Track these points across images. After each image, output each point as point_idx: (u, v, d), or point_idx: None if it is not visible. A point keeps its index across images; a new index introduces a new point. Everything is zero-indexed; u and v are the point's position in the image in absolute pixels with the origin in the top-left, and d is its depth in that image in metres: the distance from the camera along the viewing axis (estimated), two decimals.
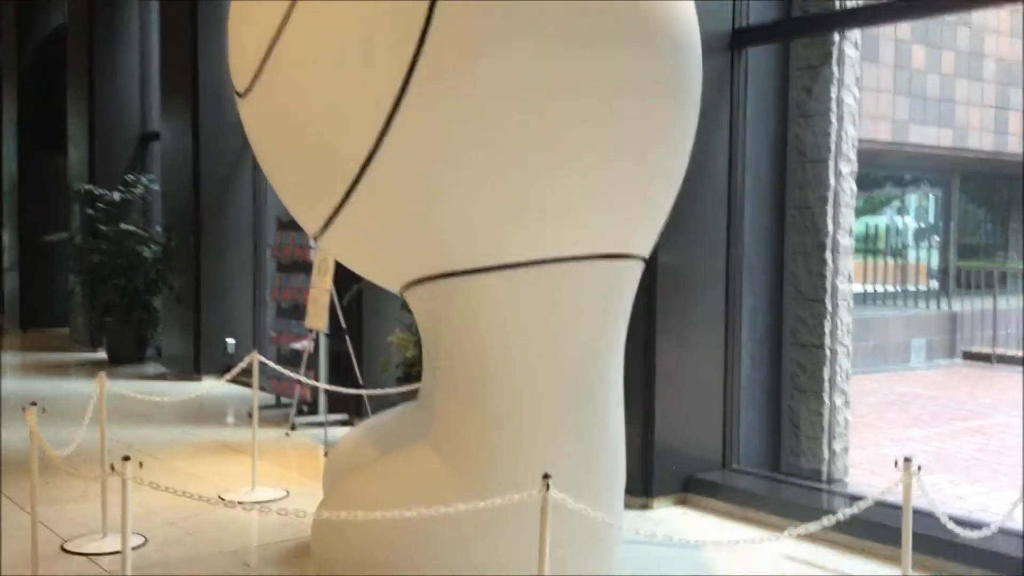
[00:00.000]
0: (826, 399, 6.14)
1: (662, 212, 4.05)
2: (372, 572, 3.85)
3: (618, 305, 3.97)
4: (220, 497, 5.76)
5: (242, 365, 6.19)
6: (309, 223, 4.20)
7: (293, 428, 7.87)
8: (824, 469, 6.14)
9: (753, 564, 4.82)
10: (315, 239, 4.38)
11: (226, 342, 10.65)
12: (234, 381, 10.31)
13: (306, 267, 8.19)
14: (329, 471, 5.00)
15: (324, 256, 7.46)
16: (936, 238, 17.65)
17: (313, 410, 8.17)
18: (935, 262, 17.09)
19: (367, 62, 3.53)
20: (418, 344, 7.35)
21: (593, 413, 3.90)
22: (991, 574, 4.41)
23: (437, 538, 3.75)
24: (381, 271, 4.26)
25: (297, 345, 8.21)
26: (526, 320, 3.78)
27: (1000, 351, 13.80)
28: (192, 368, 10.49)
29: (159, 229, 11.83)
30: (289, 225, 8.59)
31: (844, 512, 3.34)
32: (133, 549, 4.98)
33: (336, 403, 8.04)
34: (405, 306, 7.41)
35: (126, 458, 3.10)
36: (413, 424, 4.88)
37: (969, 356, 14.03)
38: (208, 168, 10.46)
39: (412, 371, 7.28)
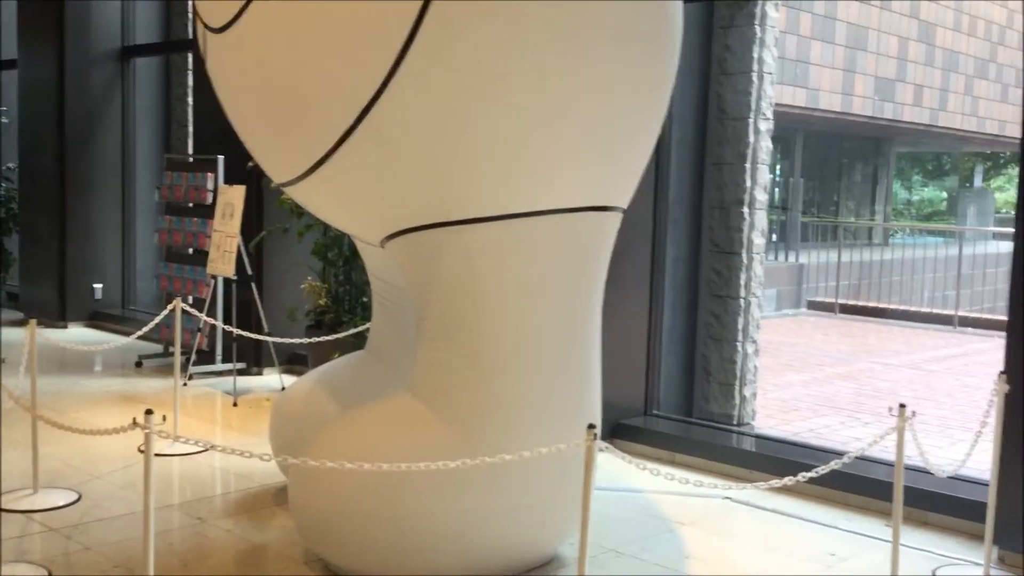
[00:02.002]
0: (739, 347, 6.44)
1: (642, 165, 4.13)
2: (359, 521, 3.82)
3: (602, 255, 4.05)
4: (139, 450, 5.56)
5: (164, 312, 5.91)
6: (286, 169, 4.05)
7: (191, 378, 7.61)
8: (735, 413, 6.46)
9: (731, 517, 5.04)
10: (286, 186, 4.23)
11: (92, 287, 10.13)
12: (100, 328, 9.94)
13: (202, 210, 7.86)
14: (279, 421, 4.89)
15: (229, 199, 7.19)
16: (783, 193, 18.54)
17: (209, 359, 7.91)
18: (783, 216, 17.99)
19: (376, 4, 3.42)
20: (330, 292, 7.25)
21: (580, 358, 3.98)
22: None
23: (428, 487, 3.75)
24: (364, 221, 4.16)
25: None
26: (519, 270, 3.80)
27: (842, 301, 14.73)
28: (57, 315, 9.92)
29: (10, 166, 11.07)
30: (180, 165, 8.22)
31: (836, 463, 3.52)
32: (66, 506, 4.78)
33: (232, 352, 7.81)
34: (318, 252, 7.27)
35: (149, 411, 2.95)
36: (373, 373, 4.84)
37: (814, 306, 14.91)
38: (74, 101, 9.82)
39: (324, 319, 7.16)
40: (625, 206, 4.14)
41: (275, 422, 4.94)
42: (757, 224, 6.41)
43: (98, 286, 10.16)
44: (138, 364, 8.13)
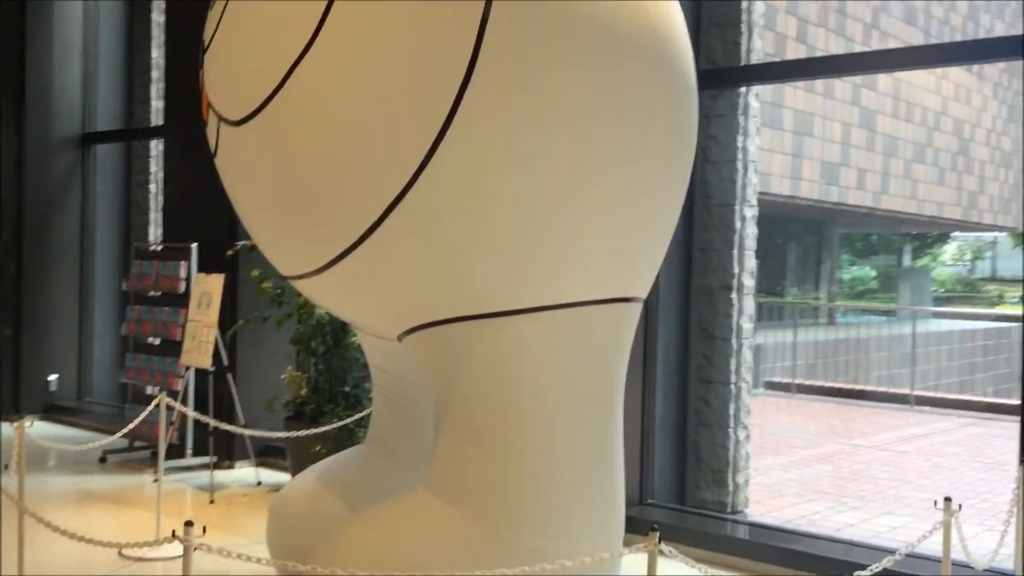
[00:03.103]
0: (731, 433, 6.40)
1: (662, 255, 4.12)
2: None
3: (625, 345, 4.01)
4: (121, 553, 5.31)
5: (150, 407, 5.69)
6: (301, 263, 3.94)
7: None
8: (728, 501, 6.39)
9: None
10: (297, 279, 4.12)
11: (47, 379, 9.79)
12: (54, 420, 9.57)
13: (174, 299, 7.66)
14: (279, 522, 4.68)
15: (206, 288, 7.02)
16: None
17: (178, 453, 7.63)
18: None
19: (412, 94, 3.39)
20: (310, 383, 7.07)
21: (608, 448, 3.90)
22: None
23: None
24: (383, 315, 4.04)
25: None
26: (547, 362, 3.73)
27: (799, 381, 14.87)
28: (10, 407, 9.53)
29: None
30: (148, 254, 8.03)
31: (880, 565, 3.43)
32: None
33: (203, 445, 7.55)
34: (297, 341, 7.11)
35: (189, 524, 2.78)
36: (379, 469, 4.68)
37: (771, 386, 15.01)
38: (33, 187, 9.61)
39: (304, 410, 6.97)
40: (645, 296, 4.11)
41: (274, 523, 4.73)
42: (745, 309, 6.42)
43: (53, 377, 9.82)
44: (102, 460, 7.81)
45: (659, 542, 2.86)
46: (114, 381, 10.10)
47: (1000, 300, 39.12)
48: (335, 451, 6.62)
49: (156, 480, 7.25)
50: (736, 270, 6.36)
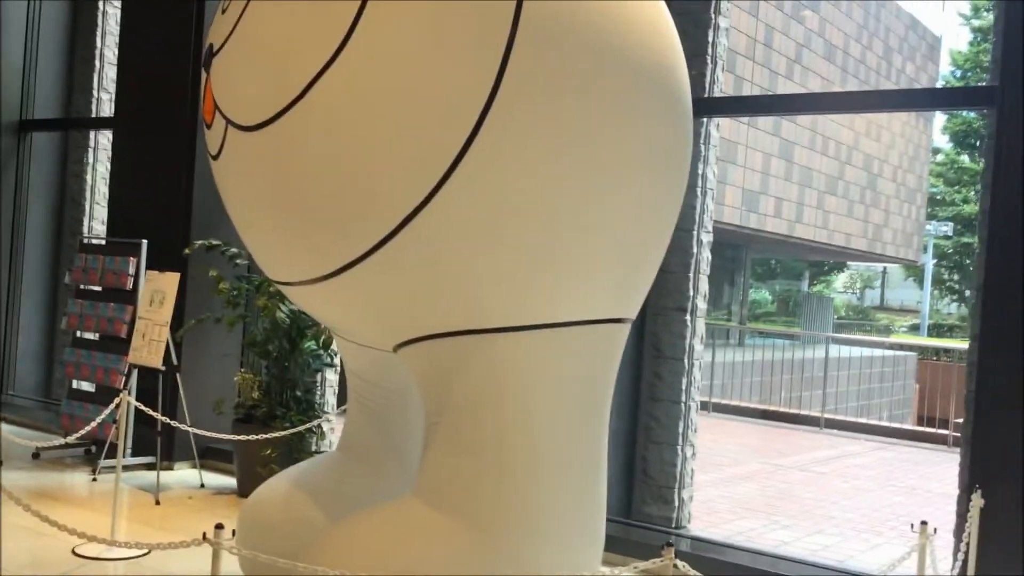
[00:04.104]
0: (679, 451, 6.60)
1: (652, 278, 4.28)
2: None
3: (615, 364, 4.15)
4: (75, 553, 5.24)
5: (111, 407, 5.60)
6: (300, 271, 3.97)
7: (98, 471, 7.19)
8: (674, 516, 6.59)
9: None
10: (290, 286, 4.15)
11: None
12: None
13: (121, 295, 7.52)
14: (250, 528, 4.65)
15: (159, 286, 6.93)
16: None
17: (114, 452, 7.48)
18: None
19: (438, 109, 3.46)
20: (262, 386, 7.04)
21: (596, 465, 4.03)
22: None
23: None
24: (382, 326, 4.09)
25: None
26: (544, 378, 3.84)
27: (714, 400, 15.29)
28: None
29: None
30: (93, 248, 7.87)
31: None
32: None
33: (143, 445, 7.44)
34: (251, 343, 7.07)
35: (219, 526, 2.81)
36: (357, 476, 4.71)
37: None
38: None
39: (255, 414, 6.94)
40: (634, 317, 4.26)
41: (245, 528, 4.68)
42: (698, 330, 6.65)
43: None
44: (35, 455, 7.61)
45: (675, 557, 3.00)
46: (39, 375, 9.83)
47: (890, 329, 40.73)
48: (286, 456, 6.62)
49: (95, 479, 7.16)
50: (691, 293, 6.59)
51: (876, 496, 9.02)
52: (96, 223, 9.78)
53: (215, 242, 6.94)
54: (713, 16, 6.56)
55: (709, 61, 6.53)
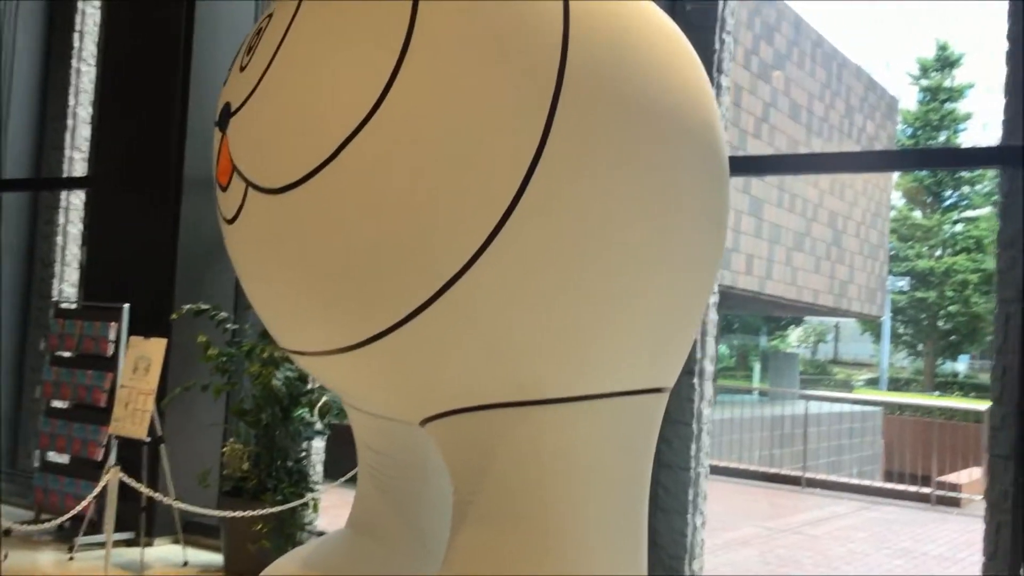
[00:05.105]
0: (689, 519, 6.38)
1: (690, 345, 4.11)
2: None
3: (655, 435, 3.96)
4: None
5: (103, 483, 5.27)
6: (322, 341, 3.72)
7: (73, 550, 6.80)
8: None
9: None
10: (308, 356, 3.90)
11: None
12: None
13: (99, 362, 7.19)
14: None
15: (144, 352, 6.62)
16: None
17: (92, 529, 7.10)
18: None
19: (478, 174, 3.28)
20: (251, 457, 6.72)
21: (638, 535, 3.84)
22: None
23: None
24: (410, 399, 3.84)
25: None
26: (590, 450, 3.63)
27: None
28: None
29: None
30: (70, 313, 7.54)
31: None
32: None
33: (122, 520, 7.05)
34: (240, 412, 6.76)
35: None
36: (374, 557, 4.44)
37: None
38: None
39: (244, 485, 6.62)
40: (672, 386, 4.08)
41: None
42: (706, 394, 6.47)
43: None
44: (7, 533, 7.19)
45: None
46: (6, 444, 9.39)
47: (849, 384, 41.01)
48: (277, 531, 6.30)
49: (71, 558, 6.76)
50: (699, 355, 6.42)
51: (875, 560, 8.85)
52: (66, 285, 9.44)
53: (204, 306, 6.66)
54: (716, 75, 6.49)
55: None
